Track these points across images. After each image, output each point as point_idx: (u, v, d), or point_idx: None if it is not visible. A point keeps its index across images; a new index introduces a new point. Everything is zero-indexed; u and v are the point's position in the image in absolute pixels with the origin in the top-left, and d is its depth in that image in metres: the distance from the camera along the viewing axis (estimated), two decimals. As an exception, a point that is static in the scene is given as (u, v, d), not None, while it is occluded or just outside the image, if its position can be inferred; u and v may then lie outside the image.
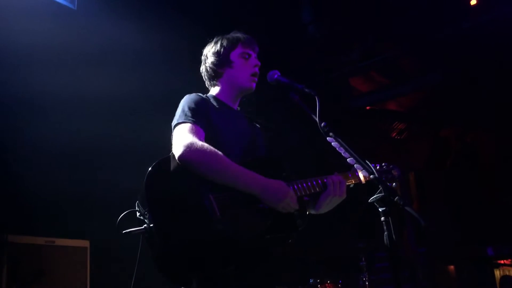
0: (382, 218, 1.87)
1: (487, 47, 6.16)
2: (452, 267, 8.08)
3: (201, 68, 2.71)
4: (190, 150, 2.18)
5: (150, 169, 2.16)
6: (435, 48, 6.36)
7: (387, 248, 1.84)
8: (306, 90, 2.35)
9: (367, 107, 8.16)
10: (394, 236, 1.83)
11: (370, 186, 2.29)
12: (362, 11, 5.84)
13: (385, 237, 1.84)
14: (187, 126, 2.30)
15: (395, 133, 8.96)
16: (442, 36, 6.04)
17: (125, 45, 4.66)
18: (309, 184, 2.37)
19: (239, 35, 2.63)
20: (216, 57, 2.60)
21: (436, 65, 6.82)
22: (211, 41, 2.69)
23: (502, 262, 7.94)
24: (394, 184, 2.54)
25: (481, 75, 6.86)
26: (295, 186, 2.34)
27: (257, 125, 2.74)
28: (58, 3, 4.28)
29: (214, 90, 2.65)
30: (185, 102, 2.43)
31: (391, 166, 2.58)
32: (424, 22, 5.91)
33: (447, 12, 5.80)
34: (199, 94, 2.52)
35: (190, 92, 2.53)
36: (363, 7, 5.80)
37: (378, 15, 5.92)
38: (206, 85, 2.70)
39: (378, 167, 2.58)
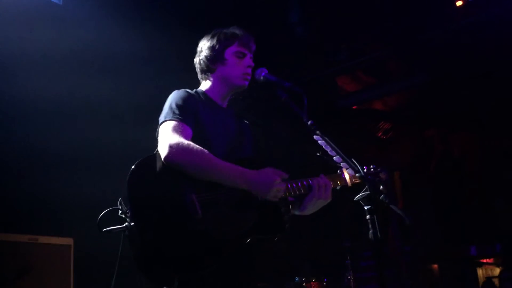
0: (368, 216, 1.88)
1: (472, 48, 6.22)
2: (435, 266, 8.17)
3: (194, 60, 2.67)
4: (176, 150, 2.16)
5: (133, 167, 2.14)
6: (421, 49, 6.41)
7: (372, 247, 1.85)
8: (293, 88, 2.35)
9: (354, 107, 8.20)
10: (379, 235, 1.84)
11: (356, 187, 2.31)
12: (349, 11, 5.87)
13: (370, 235, 1.85)
14: (174, 124, 2.28)
15: (380, 133, 9.03)
16: (428, 37, 6.09)
17: (113, 43, 4.60)
18: (294, 185, 2.36)
19: (237, 32, 2.58)
20: (210, 51, 2.56)
21: (422, 65, 6.88)
22: (208, 34, 2.65)
23: (485, 261, 8.05)
24: (381, 186, 2.54)
25: (466, 76, 6.94)
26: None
27: (246, 121, 2.73)
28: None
29: (204, 85, 2.63)
30: (172, 99, 2.40)
31: (379, 169, 2.57)
32: (410, 23, 5.95)
33: (433, 14, 5.84)
34: (188, 90, 2.49)
35: None
36: (350, 8, 5.82)
37: (365, 16, 5.95)
38: (198, 77, 2.68)
39: (366, 169, 2.57)
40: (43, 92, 4.03)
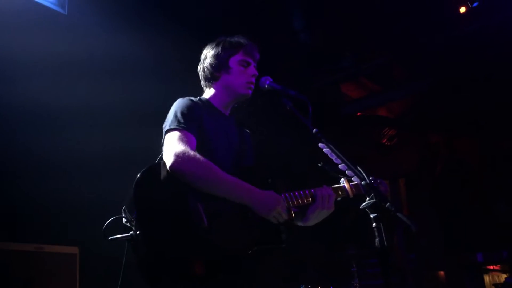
0: (374, 224, 1.87)
1: (476, 55, 6.22)
2: (442, 273, 8.12)
3: (198, 68, 2.67)
4: (182, 160, 2.14)
5: (139, 175, 2.13)
6: (425, 55, 6.42)
7: (378, 254, 1.84)
8: (298, 96, 2.35)
9: (358, 113, 8.20)
10: (385, 242, 1.83)
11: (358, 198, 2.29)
12: (353, 18, 5.88)
13: (376, 243, 1.84)
14: (179, 133, 2.26)
15: (385, 139, 9.00)
16: (432, 43, 6.10)
17: (118, 52, 4.62)
18: (297, 196, 2.35)
19: (242, 40, 2.58)
20: (215, 59, 2.56)
21: (426, 72, 6.88)
22: (212, 42, 2.65)
23: (491, 267, 7.99)
24: None
25: (470, 82, 6.93)
26: (284, 197, 2.32)
27: (247, 130, 2.73)
28: (48, 8, 4.22)
29: (208, 93, 2.62)
30: (177, 107, 2.39)
31: (378, 181, 2.52)
32: (414, 29, 5.96)
33: (437, 20, 5.85)
34: (192, 98, 2.49)
35: None
36: (354, 15, 5.83)
37: (369, 23, 5.96)
38: (201, 85, 2.68)
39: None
40: (47, 100, 4.04)
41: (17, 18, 3.99)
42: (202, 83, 2.66)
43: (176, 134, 2.26)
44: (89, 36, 4.47)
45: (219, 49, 2.58)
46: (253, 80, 2.55)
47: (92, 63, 4.42)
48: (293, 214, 2.36)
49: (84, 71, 4.36)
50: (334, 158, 2.12)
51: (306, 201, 2.37)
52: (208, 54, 2.61)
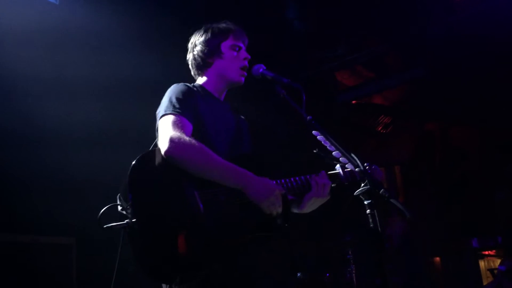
0: (368, 211, 1.87)
1: (471, 40, 6.21)
2: (437, 258, 8.18)
3: (187, 57, 2.64)
4: (177, 145, 2.12)
5: (134, 162, 2.10)
6: (419, 42, 6.40)
7: (373, 241, 1.85)
8: (291, 84, 2.34)
9: (353, 101, 8.20)
10: (379, 229, 1.84)
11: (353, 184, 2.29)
12: (347, 5, 5.85)
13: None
14: (174, 118, 2.23)
15: (381, 127, 9.01)
16: (426, 30, 6.08)
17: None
18: (293, 183, 2.34)
19: (230, 26, 2.56)
20: (206, 46, 2.53)
21: (421, 59, 6.86)
22: (199, 29, 2.62)
23: (486, 253, 8.06)
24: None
25: (464, 69, 6.93)
26: (280, 183, 2.32)
27: (242, 117, 2.72)
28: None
29: (200, 80, 2.59)
30: (172, 92, 2.36)
31: (373, 167, 2.47)
32: (409, 16, 5.94)
33: (432, 6, 5.83)
34: (187, 84, 2.45)
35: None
36: (348, 2, 5.80)
37: (363, 10, 5.94)
38: (192, 74, 2.65)
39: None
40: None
41: (6, 9, 3.94)
42: (193, 71, 2.63)
43: (171, 119, 2.23)
44: (82, 27, 4.43)
45: (209, 35, 2.55)
46: (246, 63, 2.54)
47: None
48: (288, 205, 2.34)
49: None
50: (328, 145, 2.12)
51: (303, 189, 2.36)
52: (197, 41, 2.59)
